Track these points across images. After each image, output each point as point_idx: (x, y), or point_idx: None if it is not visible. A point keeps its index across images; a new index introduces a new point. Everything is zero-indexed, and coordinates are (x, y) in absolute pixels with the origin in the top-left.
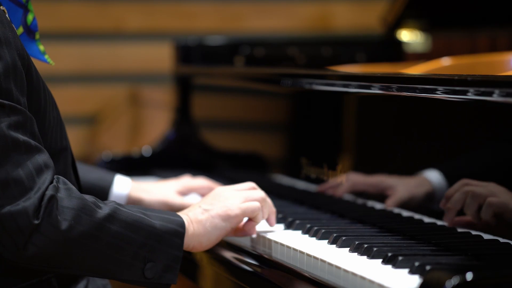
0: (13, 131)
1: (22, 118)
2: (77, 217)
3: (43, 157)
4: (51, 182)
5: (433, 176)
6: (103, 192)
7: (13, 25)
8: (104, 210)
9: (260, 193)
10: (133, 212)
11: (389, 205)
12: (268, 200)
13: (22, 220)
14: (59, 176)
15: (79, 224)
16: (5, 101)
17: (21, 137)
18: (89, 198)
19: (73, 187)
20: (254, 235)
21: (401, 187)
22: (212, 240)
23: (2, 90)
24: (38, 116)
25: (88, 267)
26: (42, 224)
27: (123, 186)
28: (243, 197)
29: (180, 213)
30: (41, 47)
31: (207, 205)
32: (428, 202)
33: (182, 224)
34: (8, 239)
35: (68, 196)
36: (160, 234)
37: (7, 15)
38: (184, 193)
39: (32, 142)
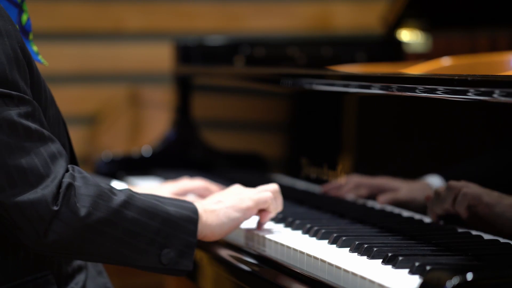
0: (24, 120)
1: (31, 108)
2: (95, 204)
3: (56, 146)
4: (67, 170)
5: (433, 176)
6: None
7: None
8: (120, 196)
9: (274, 185)
10: (147, 199)
11: (382, 201)
12: (281, 196)
13: (42, 208)
14: (74, 166)
15: (97, 210)
16: (13, 92)
17: (33, 125)
18: (104, 185)
19: (89, 175)
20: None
21: (401, 188)
22: (224, 230)
23: (9, 82)
24: None
25: (106, 253)
26: (62, 211)
27: None
28: (257, 190)
29: (194, 202)
30: (35, 48)
31: (221, 197)
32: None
33: (195, 211)
34: (29, 226)
35: (84, 184)
36: (175, 220)
37: None
38: (180, 194)
39: (45, 131)
